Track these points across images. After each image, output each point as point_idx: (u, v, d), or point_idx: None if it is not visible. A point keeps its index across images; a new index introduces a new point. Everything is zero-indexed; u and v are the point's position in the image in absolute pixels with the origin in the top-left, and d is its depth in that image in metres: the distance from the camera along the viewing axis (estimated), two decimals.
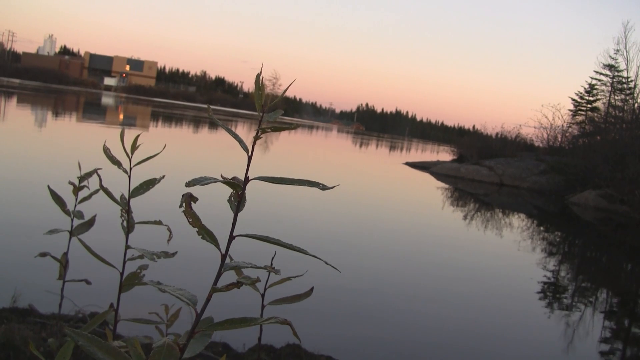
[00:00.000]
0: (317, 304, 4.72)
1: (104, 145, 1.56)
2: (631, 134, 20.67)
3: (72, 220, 1.95)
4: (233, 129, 0.96)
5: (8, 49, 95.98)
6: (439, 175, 23.89)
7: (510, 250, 9.37)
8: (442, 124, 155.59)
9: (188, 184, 0.85)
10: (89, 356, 0.87)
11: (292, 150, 27.59)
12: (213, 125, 33.73)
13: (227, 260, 0.93)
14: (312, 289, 1.43)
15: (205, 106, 1.07)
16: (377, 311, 5.06)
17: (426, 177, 22.94)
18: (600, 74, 33.71)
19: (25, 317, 3.54)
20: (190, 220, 0.91)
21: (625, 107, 25.82)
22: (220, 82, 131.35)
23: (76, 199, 1.92)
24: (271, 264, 1.13)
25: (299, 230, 7.91)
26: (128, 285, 1.63)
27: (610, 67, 32.18)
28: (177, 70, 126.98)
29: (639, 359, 5.04)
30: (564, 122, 32.35)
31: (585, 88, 36.94)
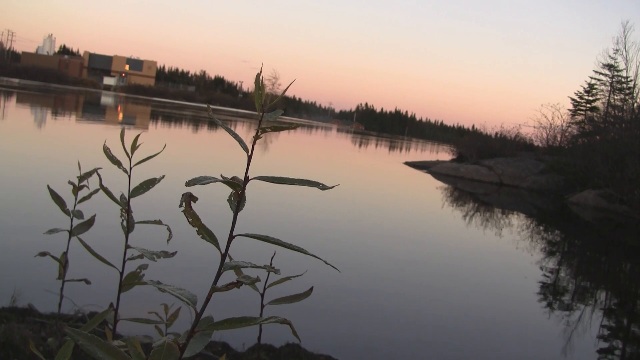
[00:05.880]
0: (317, 303, 4.72)
1: (104, 144, 1.56)
2: (631, 133, 20.64)
3: (71, 219, 1.94)
4: (233, 129, 0.96)
5: (7, 48, 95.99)
6: (438, 175, 23.89)
7: (509, 250, 9.37)
8: (442, 123, 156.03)
9: (188, 184, 0.85)
10: (89, 355, 0.87)
11: (292, 150, 27.57)
12: (213, 124, 33.72)
13: (227, 259, 0.93)
14: (311, 288, 1.43)
15: (205, 106, 1.07)
16: (376, 310, 5.06)
17: (426, 177, 22.93)
18: (600, 73, 33.83)
19: (24, 317, 3.54)
20: (190, 219, 0.91)
21: (625, 107, 25.81)
22: (219, 81, 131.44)
23: (76, 199, 1.91)
24: (271, 264, 1.13)
25: (299, 230, 7.91)
26: (128, 284, 1.63)
27: (610, 66, 32.26)
28: (177, 69, 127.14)
29: (638, 358, 5.04)
30: (564, 121, 32.44)
31: (584, 88, 37.07)
